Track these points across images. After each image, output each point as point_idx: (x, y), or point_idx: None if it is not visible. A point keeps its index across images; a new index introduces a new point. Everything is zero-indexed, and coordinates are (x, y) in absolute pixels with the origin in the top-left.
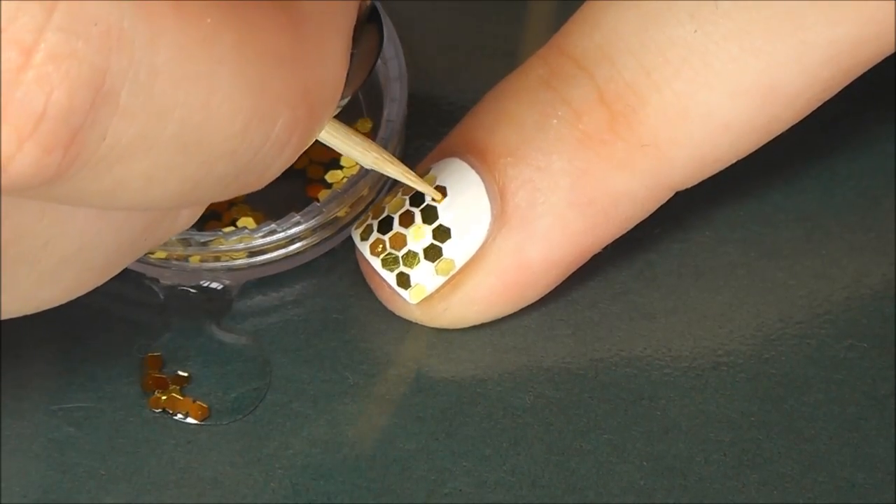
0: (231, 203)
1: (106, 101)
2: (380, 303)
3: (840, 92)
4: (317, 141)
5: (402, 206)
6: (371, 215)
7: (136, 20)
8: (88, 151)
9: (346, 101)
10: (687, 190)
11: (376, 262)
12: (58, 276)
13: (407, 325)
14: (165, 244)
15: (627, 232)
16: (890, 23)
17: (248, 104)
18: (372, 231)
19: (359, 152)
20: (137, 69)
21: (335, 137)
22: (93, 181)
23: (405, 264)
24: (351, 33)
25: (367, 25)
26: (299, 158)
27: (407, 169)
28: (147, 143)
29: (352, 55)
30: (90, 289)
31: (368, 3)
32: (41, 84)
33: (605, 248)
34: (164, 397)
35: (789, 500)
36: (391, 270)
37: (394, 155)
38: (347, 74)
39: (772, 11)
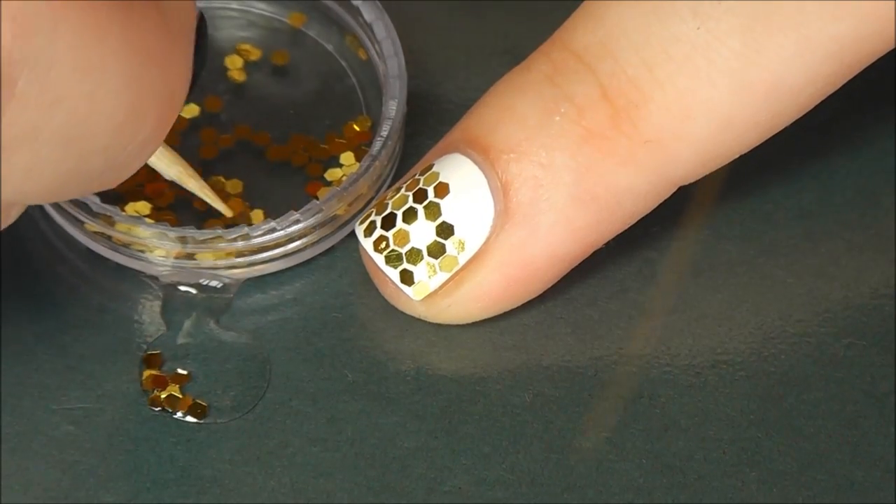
0: (228, 195)
1: (4, 86)
2: (379, 301)
3: (839, 90)
4: (316, 141)
5: (406, 202)
6: (374, 211)
7: (41, 8)
8: None
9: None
10: (686, 188)
11: (380, 259)
12: None
13: (406, 324)
14: (165, 243)
15: (627, 230)
16: (891, 19)
17: (128, 100)
18: (375, 227)
19: (164, 164)
20: (37, 57)
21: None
22: None
23: (408, 261)
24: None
25: (200, 29)
26: (299, 156)
27: (205, 185)
28: (34, 133)
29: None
30: None
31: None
32: None
33: (606, 245)
34: (163, 396)
35: (789, 498)
36: (394, 267)
37: (393, 153)
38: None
39: (774, 8)
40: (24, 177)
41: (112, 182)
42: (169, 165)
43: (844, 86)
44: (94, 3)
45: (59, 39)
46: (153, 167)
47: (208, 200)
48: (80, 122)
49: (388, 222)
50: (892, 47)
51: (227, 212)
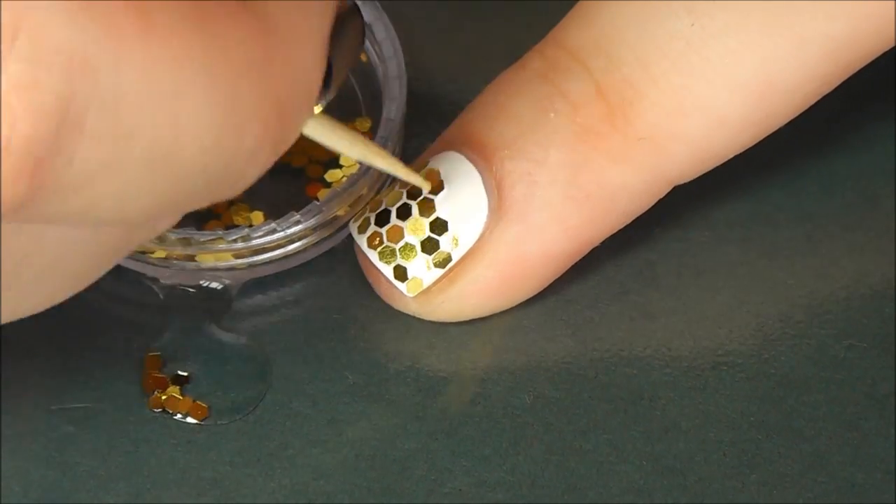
0: (231, 202)
1: (71, 127)
2: (379, 302)
3: (839, 90)
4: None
5: (400, 198)
6: (369, 208)
7: (100, 45)
8: (54, 178)
9: (328, 99)
10: (686, 189)
11: (373, 255)
12: (38, 285)
13: (407, 325)
14: (165, 244)
15: (627, 231)
16: (888, 18)
17: (218, 120)
18: (369, 224)
19: (345, 145)
20: (103, 94)
21: (319, 133)
22: (62, 204)
23: (402, 257)
24: (327, 35)
25: (348, 21)
26: (299, 157)
27: (397, 161)
28: (115, 165)
29: (334, 53)
30: (74, 293)
31: (347, 2)
32: (5, 115)
33: (605, 246)
34: (163, 397)
35: (789, 499)
36: (388, 263)
37: (393, 154)
38: (330, 73)
39: (769, 5)
40: (118, 203)
41: (230, 193)
42: (350, 147)
43: (844, 86)
44: (166, 32)
45: (124, 75)
46: (335, 150)
47: (404, 177)
48: (164, 148)
49: (382, 218)
50: (888, 47)
51: (425, 185)
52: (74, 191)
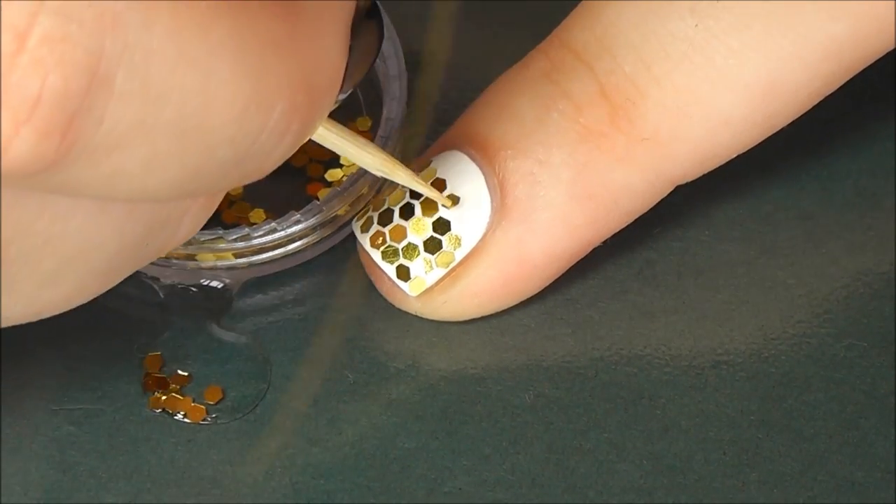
0: (231, 202)
1: (102, 84)
2: (380, 301)
3: (840, 90)
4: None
5: (403, 198)
6: (372, 207)
7: (130, 3)
8: (86, 136)
9: (345, 95)
10: (687, 188)
11: (376, 255)
12: (59, 277)
13: (407, 324)
14: None
15: (627, 231)
16: (890, 19)
17: (247, 89)
18: (372, 223)
19: (369, 158)
20: (133, 52)
21: (344, 141)
22: (91, 168)
23: (405, 256)
24: (349, 26)
25: (366, 21)
26: (299, 156)
27: (415, 175)
28: (144, 128)
29: (351, 49)
30: (93, 295)
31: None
32: (36, 68)
33: (605, 245)
34: (163, 397)
35: (789, 498)
36: (391, 263)
37: (394, 153)
38: (347, 68)
39: (772, 6)
40: (145, 171)
41: (255, 173)
42: (371, 159)
43: (844, 86)
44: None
45: (153, 35)
46: (357, 162)
47: (423, 192)
48: (193, 114)
49: (385, 218)
50: (890, 48)
51: (446, 202)
52: (104, 153)
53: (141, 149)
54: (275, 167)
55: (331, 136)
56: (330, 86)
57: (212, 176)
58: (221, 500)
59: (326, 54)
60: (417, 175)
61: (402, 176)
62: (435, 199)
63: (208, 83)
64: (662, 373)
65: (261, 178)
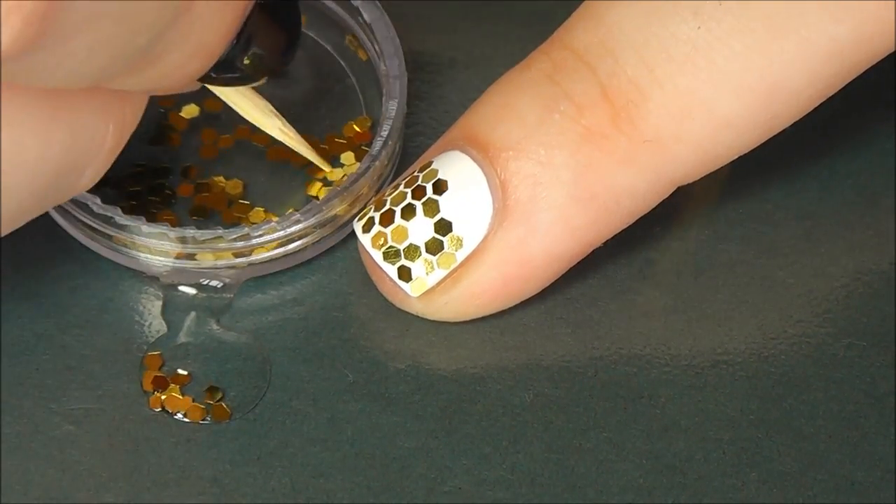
0: (231, 202)
1: None
2: (379, 301)
3: (840, 91)
4: (316, 141)
5: (404, 199)
6: (373, 207)
7: None
8: (59, 21)
9: (261, 82)
10: (687, 188)
11: (378, 255)
12: None
13: (406, 324)
14: (165, 243)
15: (627, 231)
16: (891, 21)
17: None
18: (374, 224)
19: (259, 114)
20: None
21: (243, 97)
22: (55, 51)
23: (406, 257)
24: None
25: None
26: (299, 156)
27: (303, 140)
28: (97, 14)
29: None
30: (18, 219)
31: None
32: None
33: (605, 245)
34: (163, 397)
35: (788, 498)
36: (392, 263)
37: (393, 153)
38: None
39: (774, 9)
40: (88, 55)
41: (153, 66)
42: (264, 116)
43: (845, 86)
44: None
45: None
46: (251, 120)
47: (306, 155)
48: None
49: (387, 218)
50: (892, 50)
51: (325, 166)
52: (69, 37)
53: (88, 35)
54: (166, 70)
55: (234, 96)
56: None
57: (126, 64)
58: (221, 500)
59: None
60: (417, 174)
61: (290, 142)
62: (320, 166)
63: None
64: (662, 372)
65: (169, 90)
